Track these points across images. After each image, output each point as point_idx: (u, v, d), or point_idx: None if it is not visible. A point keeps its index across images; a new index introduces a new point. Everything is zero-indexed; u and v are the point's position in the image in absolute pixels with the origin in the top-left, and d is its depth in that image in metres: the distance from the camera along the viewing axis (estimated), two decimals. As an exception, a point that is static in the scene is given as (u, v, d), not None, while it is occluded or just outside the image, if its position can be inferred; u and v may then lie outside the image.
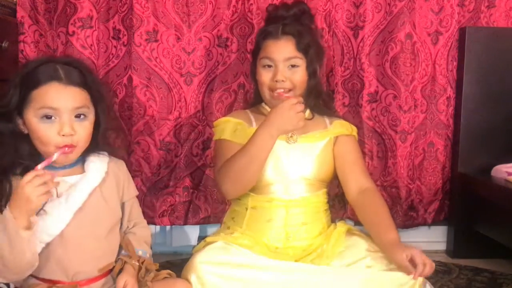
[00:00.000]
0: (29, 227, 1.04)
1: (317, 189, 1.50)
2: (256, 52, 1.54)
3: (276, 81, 1.45)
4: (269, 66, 1.48)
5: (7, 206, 1.04)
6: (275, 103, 1.44)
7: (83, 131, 1.13)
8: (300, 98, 1.37)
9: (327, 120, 1.58)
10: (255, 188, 1.46)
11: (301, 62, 1.48)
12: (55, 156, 1.08)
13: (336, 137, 1.54)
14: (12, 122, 1.12)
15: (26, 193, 1.02)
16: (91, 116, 1.16)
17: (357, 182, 1.49)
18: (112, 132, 1.25)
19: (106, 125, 1.20)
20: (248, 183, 1.41)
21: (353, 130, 1.59)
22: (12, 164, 1.11)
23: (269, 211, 1.46)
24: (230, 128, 1.50)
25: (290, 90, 1.47)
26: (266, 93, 1.50)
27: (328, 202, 1.55)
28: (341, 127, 1.56)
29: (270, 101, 1.50)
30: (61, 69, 1.12)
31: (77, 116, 1.12)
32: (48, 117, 1.09)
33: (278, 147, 1.44)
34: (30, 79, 1.10)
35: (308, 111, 1.55)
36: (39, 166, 1.04)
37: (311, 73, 1.50)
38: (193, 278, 1.26)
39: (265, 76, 1.48)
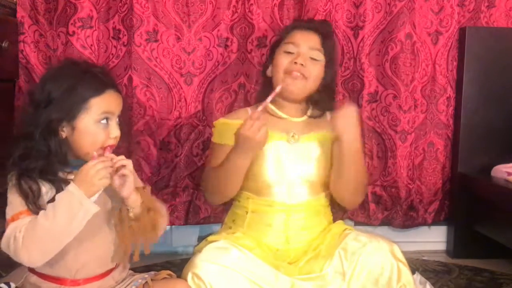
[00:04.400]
0: None
1: (318, 192, 1.50)
2: (277, 44, 1.54)
3: (296, 63, 1.45)
4: (291, 53, 1.48)
5: (72, 183, 1.08)
6: (284, 87, 1.44)
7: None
8: (257, 113, 1.32)
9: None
10: (256, 190, 1.47)
11: (322, 58, 1.50)
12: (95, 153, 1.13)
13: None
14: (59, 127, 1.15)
15: (89, 175, 1.08)
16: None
17: None
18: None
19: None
20: (226, 195, 1.46)
21: None
22: (45, 168, 1.14)
23: (269, 216, 1.46)
24: (230, 132, 1.48)
25: (306, 78, 1.46)
26: (279, 77, 1.48)
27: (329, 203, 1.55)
28: None
29: (281, 81, 1.46)
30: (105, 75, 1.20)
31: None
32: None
33: (279, 147, 1.45)
34: (89, 88, 1.15)
35: (310, 110, 1.55)
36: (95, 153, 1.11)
37: (327, 73, 1.51)
38: (193, 276, 1.26)
39: (284, 59, 1.48)
